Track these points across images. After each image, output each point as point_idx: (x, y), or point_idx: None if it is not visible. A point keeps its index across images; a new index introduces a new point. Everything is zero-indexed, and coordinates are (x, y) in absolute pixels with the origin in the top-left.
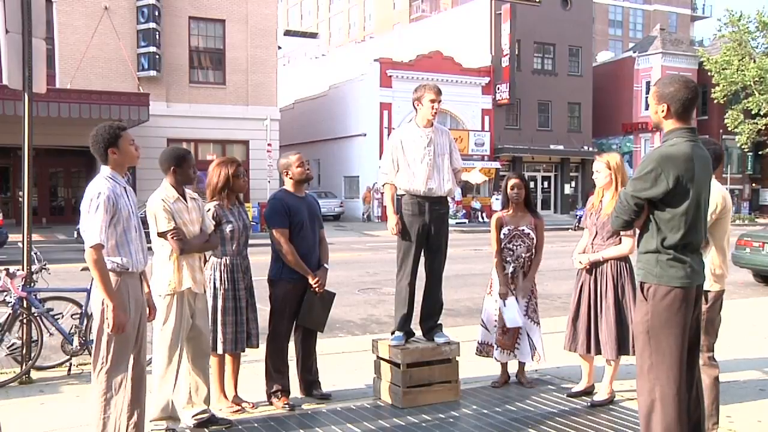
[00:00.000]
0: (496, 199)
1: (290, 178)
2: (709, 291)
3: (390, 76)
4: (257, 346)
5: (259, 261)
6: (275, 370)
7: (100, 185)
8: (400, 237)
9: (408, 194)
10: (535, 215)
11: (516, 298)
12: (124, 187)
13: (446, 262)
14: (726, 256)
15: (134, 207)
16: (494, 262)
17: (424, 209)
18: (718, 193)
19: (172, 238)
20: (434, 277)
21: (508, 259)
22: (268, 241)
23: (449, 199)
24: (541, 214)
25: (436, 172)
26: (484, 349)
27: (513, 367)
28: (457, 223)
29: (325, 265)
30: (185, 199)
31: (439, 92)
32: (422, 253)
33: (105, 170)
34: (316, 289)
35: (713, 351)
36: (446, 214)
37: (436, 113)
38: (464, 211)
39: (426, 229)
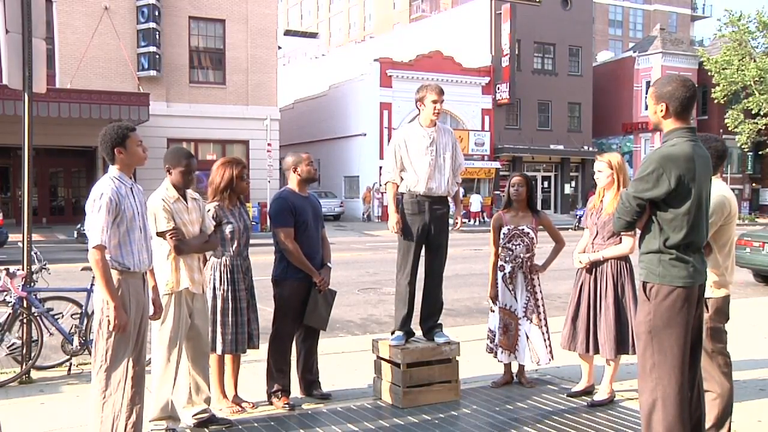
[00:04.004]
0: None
1: (297, 175)
2: (710, 298)
3: (390, 76)
4: (258, 347)
5: (260, 261)
6: (277, 370)
7: (104, 186)
8: (400, 236)
9: (408, 193)
10: (536, 215)
11: (515, 296)
12: (131, 188)
13: (446, 261)
14: (730, 260)
15: (141, 207)
16: (490, 261)
17: (424, 209)
18: (723, 198)
19: (171, 238)
20: (434, 277)
21: (506, 259)
22: (269, 241)
23: (449, 199)
24: (543, 213)
25: (438, 171)
26: (491, 349)
27: (515, 367)
28: None
29: (328, 264)
30: (186, 199)
31: (441, 92)
32: (423, 253)
33: (112, 170)
34: (321, 287)
35: (728, 356)
36: (447, 214)
37: (438, 113)
38: (464, 211)
39: (426, 229)
